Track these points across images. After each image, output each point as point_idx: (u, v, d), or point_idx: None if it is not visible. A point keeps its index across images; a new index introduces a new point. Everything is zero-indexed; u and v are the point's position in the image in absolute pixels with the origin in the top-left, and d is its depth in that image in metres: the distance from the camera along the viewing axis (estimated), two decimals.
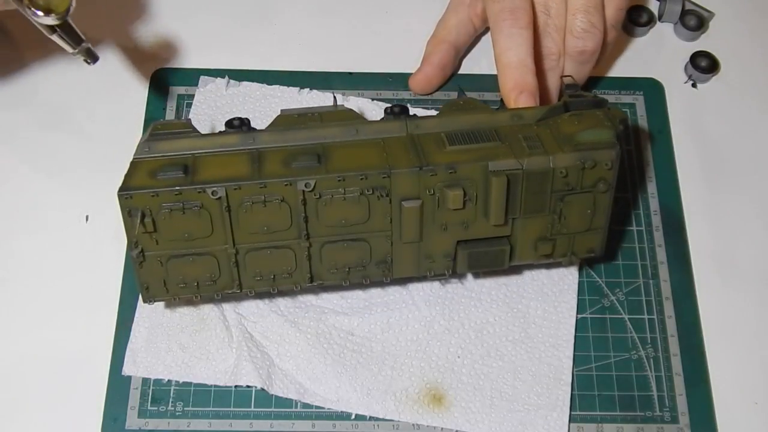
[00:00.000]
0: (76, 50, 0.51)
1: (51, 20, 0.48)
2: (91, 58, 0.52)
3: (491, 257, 0.50)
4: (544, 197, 0.49)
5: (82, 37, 0.50)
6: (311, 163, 0.47)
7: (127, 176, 0.47)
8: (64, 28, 0.49)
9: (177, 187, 0.46)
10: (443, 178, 0.47)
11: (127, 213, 0.46)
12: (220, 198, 0.46)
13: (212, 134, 0.50)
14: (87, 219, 0.57)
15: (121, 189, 0.46)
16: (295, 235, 0.48)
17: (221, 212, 0.47)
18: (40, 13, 0.47)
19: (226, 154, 0.49)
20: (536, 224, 0.50)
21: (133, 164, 0.48)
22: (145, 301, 0.50)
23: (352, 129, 0.50)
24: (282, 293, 0.55)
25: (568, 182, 0.48)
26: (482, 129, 0.49)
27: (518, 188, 0.48)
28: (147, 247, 0.48)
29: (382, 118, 0.51)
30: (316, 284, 0.51)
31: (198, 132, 0.50)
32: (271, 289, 0.51)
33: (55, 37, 0.50)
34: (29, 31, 0.59)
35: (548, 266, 0.56)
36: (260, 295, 0.54)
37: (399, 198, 0.48)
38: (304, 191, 0.47)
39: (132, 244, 0.47)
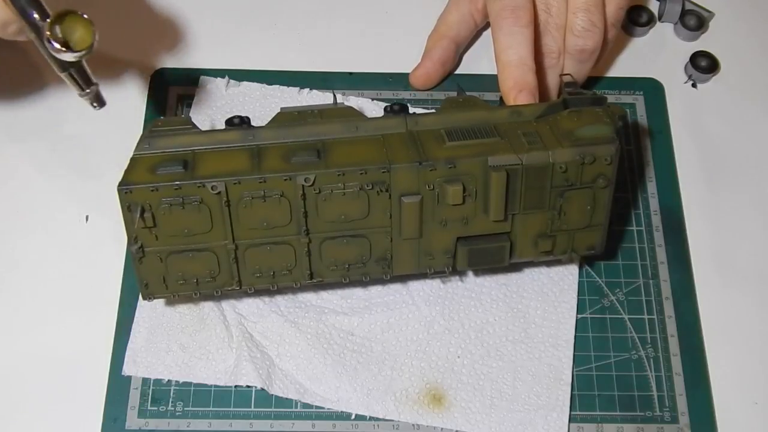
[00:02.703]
0: (85, 92, 0.48)
1: (70, 57, 0.45)
2: (99, 102, 0.49)
3: (491, 254, 0.50)
4: (544, 193, 0.49)
5: (93, 79, 0.48)
6: (311, 159, 0.47)
7: (127, 171, 0.47)
8: (78, 67, 0.47)
9: (176, 182, 0.46)
10: (443, 173, 0.47)
11: (127, 208, 0.46)
12: (219, 193, 0.46)
13: (212, 131, 0.50)
14: (87, 219, 0.57)
15: (120, 184, 0.46)
16: (295, 231, 0.48)
17: (221, 207, 0.47)
18: (58, 46, 0.44)
19: (225, 150, 0.49)
20: (536, 220, 0.50)
21: (133, 160, 0.48)
22: (144, 298, 0.50)
23: (352, 125, 0.50)
24: (282, 292, 0.55)
25: (568, 178, 0.48)
26: (481, 125, 0.50)
27: (518, 183, 0.48)
28: (146, 243, 0.48)
29: (382, 115, 0.51)
30: (315, 281, 0.51)
31: (198, 129, 0.50)
32: (270, 286, 0.51)
33: (65, 76, 0.47)
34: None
35: (548, 265, 0.56)
36: (260, 295, 0.54)
37: (398, 193, 0.48)
38: (303, 186, 0.47)
39: (131, 240, 0.47)
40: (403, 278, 0.55)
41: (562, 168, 0.48)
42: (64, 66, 0.46)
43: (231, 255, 0.49)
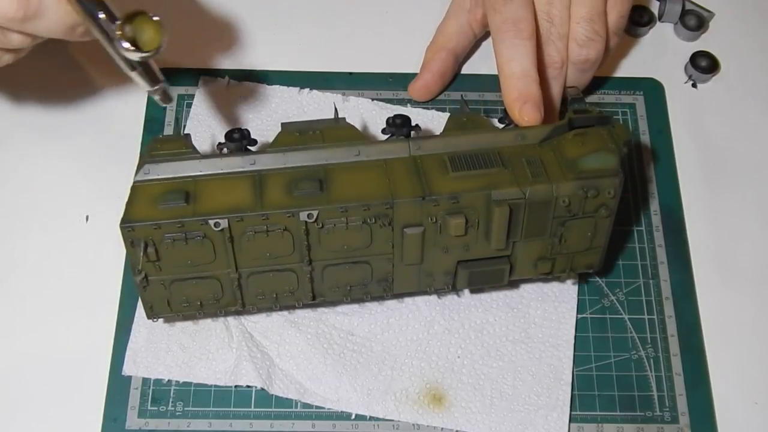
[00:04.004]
0: (154, 89, 0.48)
1: (138, 57, 0.45)
2: (167, 99, 0.49)
3: (491, 275, 0.50)
4: (546, 223, 0.48)
5: (160, 76, 0.48)
6: (313, 191, 0.47)
7: (129, 205, 0.47)
8: (146, 66, 0.47)
9: (179, 219, 0.46)
10: (446, 207, 0.47)
11: (130, 243, 0.46)
12: (222, 229, 0.46)
13: (212, 156, 0.49)
14: (87, 219, 0.57)
15: (123, 221, 0.46)
16: (298, 260, 0.48)
17: (224, 241, 0.47)
18: (127, 45, 0.44)
19: (227, 178, 0.48)
20: (536, 246, 0.50)
21: (134, 189, 0.47)
22: (148, 318, 0.50)
23: (354, 150, 0.49)
24: None
25: (570, 209, 0.48)
26: (486, 151, 0.49)
27: (520, 216, 0.48)
28: (150, 273, 0.47)
29: (385, 138, 0.51)
30: (318, 301, 0.51)
31: (197, 151, 0.49)
32: (273, 306, 0.51)
33: (134, 74, 0.47)
34: None
35: None
36: None
37: (401, 225, 0.47)
38: (306, 222, 0.46)
39: (135, 271, 0.47)
40: None
41: (564, 201, 0.47)
42: (132, 65, 0.46)
43: (234, 282, 0.49)
